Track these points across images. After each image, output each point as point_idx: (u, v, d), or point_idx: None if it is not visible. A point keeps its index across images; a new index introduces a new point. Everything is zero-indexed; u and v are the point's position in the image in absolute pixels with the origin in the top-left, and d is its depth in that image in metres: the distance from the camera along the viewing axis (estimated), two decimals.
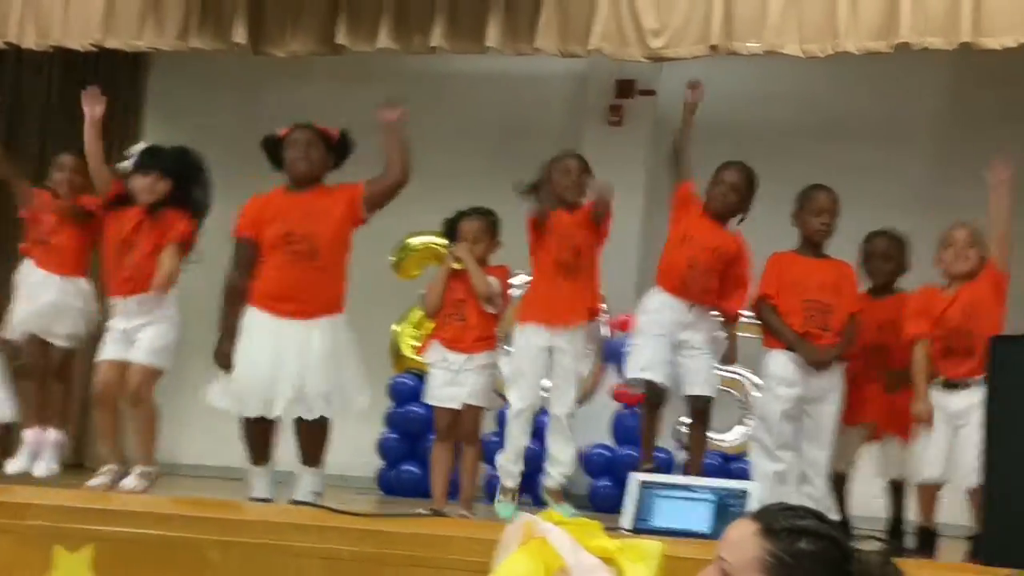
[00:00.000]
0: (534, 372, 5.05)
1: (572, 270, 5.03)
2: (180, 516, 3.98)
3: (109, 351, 5.06)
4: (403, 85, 7.44)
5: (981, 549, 3.80)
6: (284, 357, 4.82)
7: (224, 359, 4.88)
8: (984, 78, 6.52)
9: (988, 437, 3.71)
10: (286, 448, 5.10)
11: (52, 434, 5.43)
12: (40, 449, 5.39)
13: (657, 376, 5.00)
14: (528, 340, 5.07)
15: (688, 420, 5.28)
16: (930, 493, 4.79)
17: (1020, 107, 6.56)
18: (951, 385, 4.65)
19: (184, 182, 5.20)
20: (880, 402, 5.05)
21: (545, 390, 5.17)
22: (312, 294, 4.86)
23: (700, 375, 5.01)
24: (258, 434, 4.94)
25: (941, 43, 5.18)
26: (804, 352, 4.88)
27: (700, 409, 5.10)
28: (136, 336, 5.04)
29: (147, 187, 5.11)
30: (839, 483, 5.15)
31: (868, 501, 5.24)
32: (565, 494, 5.20)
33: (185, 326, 5.23)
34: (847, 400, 5.01)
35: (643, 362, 5.03)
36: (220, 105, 7.82)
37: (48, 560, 3.77)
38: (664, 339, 5.00)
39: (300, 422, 4.92)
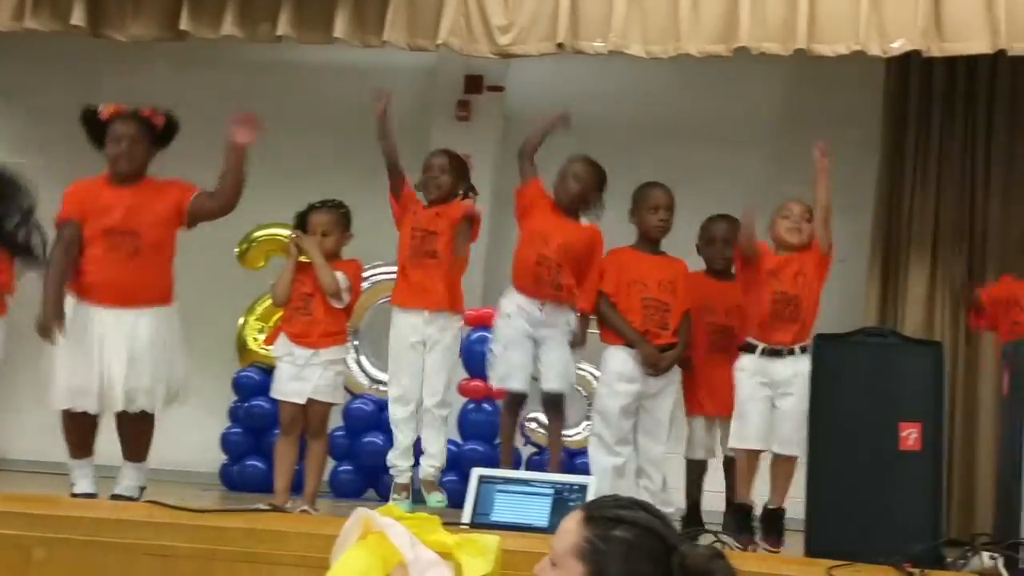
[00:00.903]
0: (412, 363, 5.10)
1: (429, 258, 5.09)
2: (4, 513, 3.86)
3: None
4: (248, 74, 7.39)
5: (805, 538, 3.95)
6: (107, 349, 4.74)
7: (45, 332, 4.75)
8: (817, 83, 6.78)
9: (811, 431, 3.88)
10: (108, 442, 4.99)
11: None
12: None
13: (517, 384, 5.09)
14: (400, 331, 5.12)
15: (541, 415, 5.36)
16: (752, 465, 4.88)
17: (848, 112, 6.84)
18: (775, 352, 4.76)
19: None
20: (724, 391, 5.13)
21: None
22: (135, 285, 4.79)
23: (554, 369, 5.09)
24: (80, 427, 4.84)
25: (778, 48, 5.37)
26: (645, 352, 4.97)
27: (554, 403, 5.20)
28: None
29: None
30: (697, 472, 5.27)
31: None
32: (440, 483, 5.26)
33: (17, 319, 5.07)
34: (700, 390, 5.16)
35: (503, 372, 5.12)
36: (58, 86, 7.58)
37: None
38: (522, 343, 5.08)
39: (123, 416, 4.83)
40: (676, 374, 5.08)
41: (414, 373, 5.11)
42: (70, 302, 4.85)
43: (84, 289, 4.81)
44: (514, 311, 5.11)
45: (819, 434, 3.84)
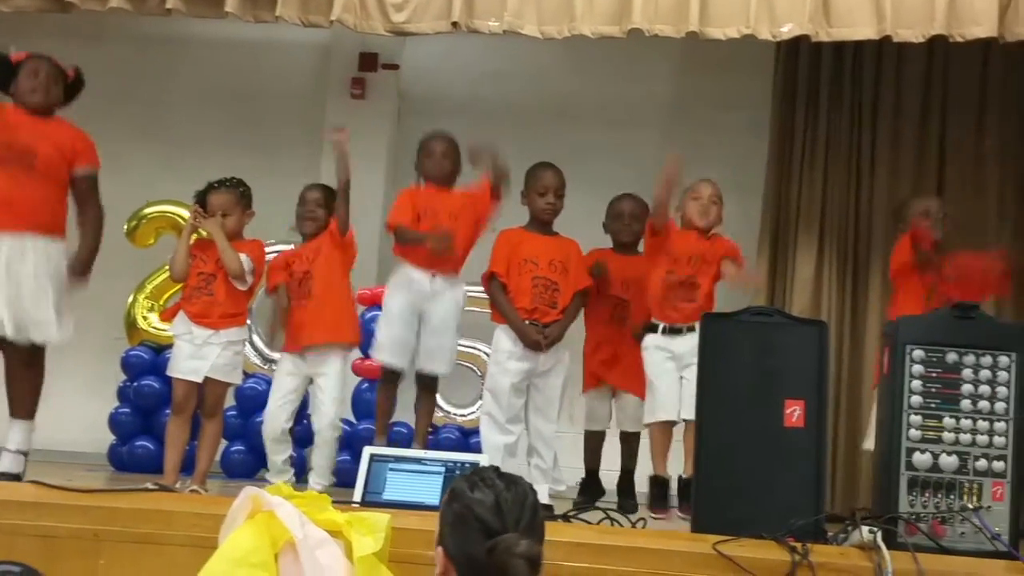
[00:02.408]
0: None
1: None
2: None
3: None
4: (138, 47, 7.24)
5: (692, 514, 4.02)
6: None
7: None
8: (708, 67, 6.89)
9: (699, 408, 3.95)
10: None
11: None
12: None
13: (397, 360, 5.09)
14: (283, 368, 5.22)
15: (417, 392, 5.37)
16: (665, 437, 5.00)
17: (739, 94, 6.96)
18: (674, 331, 4.95)
19: None
20: (622, 362, 5.24)
21: None
22: (27, 205, 4.63)
23: (436, 354, 5.10)
24: None
25: (670, 31, 5.43)
26: (524, 336, 5.00)
27: (429, 385, 5.22)
28: None
29: None
30: (595, 442, 5.35)
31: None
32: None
33: None
34: (595, 362, 5.24)
35: (386, 344, 5.10)
36: None
37: None
38: (406, 318, 5.06)
39: (11, 361, 4.67)
40: (565, 352, 5.14)
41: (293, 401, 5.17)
42: None
43: None
44: (404, 282, 5.10)
45: (706, 410, 3.90)
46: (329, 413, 5.11)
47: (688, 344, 4.77)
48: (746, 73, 6.82)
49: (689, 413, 4.62)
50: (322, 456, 5.13)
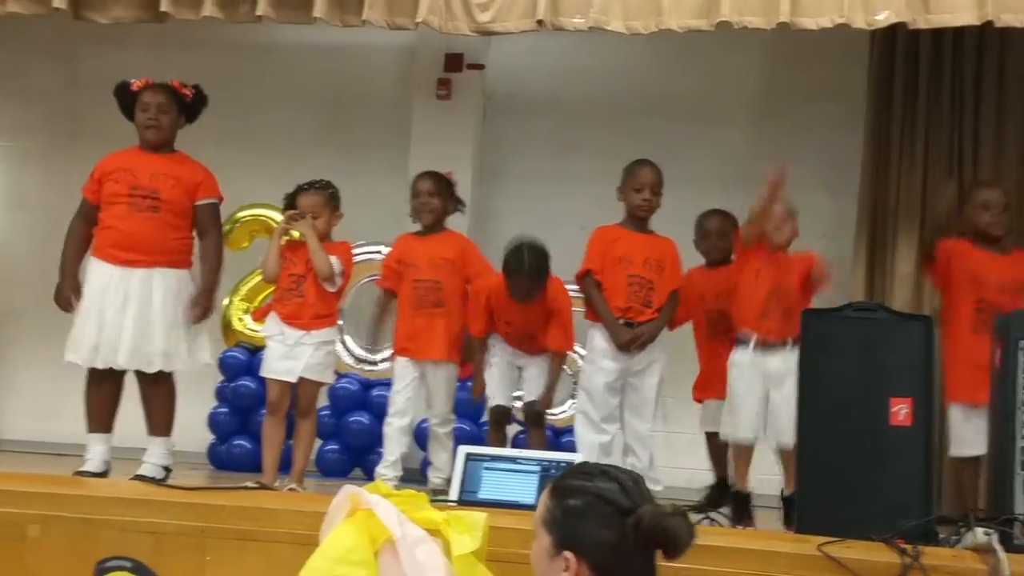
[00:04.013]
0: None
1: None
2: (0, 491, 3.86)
3: None
4: (228, 55, 7.34)
5: (795, 516, 3.93)
6: (120, 306, 4.78)
7: (61, 301, 4.89)
8: (799, 57, 6.76)
9: (800, 407, 3.86)
10: (128, 422, 5.00)
11: None
12: None
13: (503, 399, 5.23)
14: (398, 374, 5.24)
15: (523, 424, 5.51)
16: (746, 455, 4.87)
17: (828, 86, 6.83)
18: (768, 346, 4.73)
19: None
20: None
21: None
22: (154, 244, 4.84)
23: (536, 383, 5.19)
24: (102, 394, 4.88)
25: (760, 22, 5.32)
26: (616, 336, 4.95)
27: (536, 419, 5.29)
28: None
29: None
30: (719, 447, 5.20)
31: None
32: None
33: (10, 299, 5.05)
34: (702, 376, 5.19)
35: (492, 384, 5.23)
36: (38, 70, 7.57)
37: None
38: (509, 366, 5.22)
39: (144, 385, 4.87)
40: (661, 352, 5.07)
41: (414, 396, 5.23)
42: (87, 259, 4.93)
43: (100, 246, 4.88)
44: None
45: (809, 410, 3.79)
46: (443, 409, 5.17)
47: (781, 361, 4.61)
48: (839, 64, 6.68)
49: (779, 436, 4.53)
50: (439, 450, 5.17)
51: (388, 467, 5.12)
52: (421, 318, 5.14)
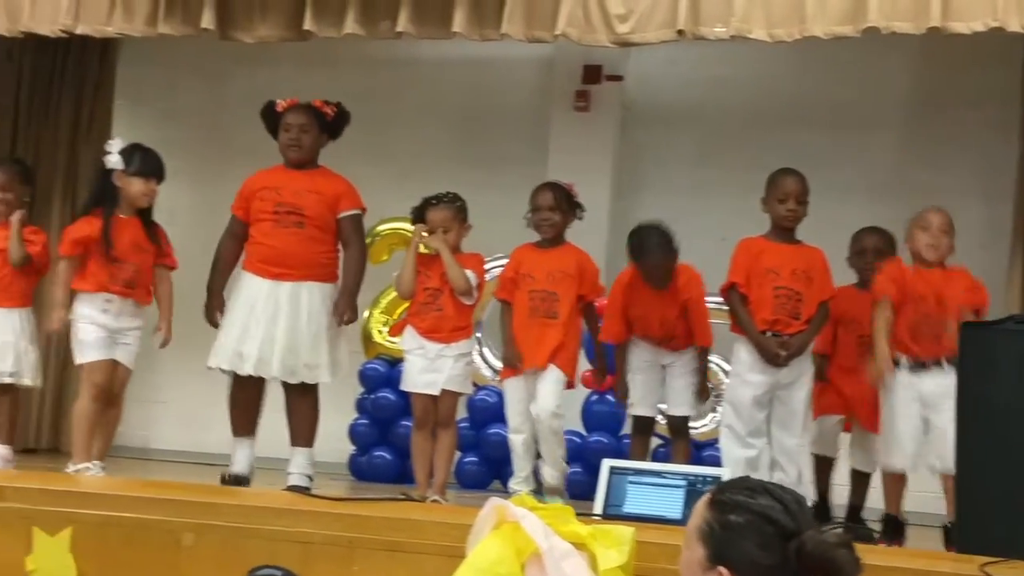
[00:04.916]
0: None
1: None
2: (156, 499, 4.01)
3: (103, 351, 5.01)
4: (368, 70, 7.45)
5: (956, 536, 3.79)
6: (274, 318, 4.95)
7: (209, 318, 5.14)
8: (951, 62, 6.55)
9: (960, 423, 3.71)
10: (270, 433, 5.11)
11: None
12: None
13: (647, 410, 5.23)
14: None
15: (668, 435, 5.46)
16: (898, 481, 4.76)
17: (984, 91, 6.60)
18: (920, 365, 4.59)
19: None
20: (857, 395, 5.04)
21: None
22: (300, 259, 5.01)
23: (681, 395, 5.18)
24: (246, 400, 5.05)
25: (910, 27, 5.17)
26: (763, 350, 4.88)
27: (680, 429, 5.27)
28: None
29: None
30: (824, 468, 5.19)
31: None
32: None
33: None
34: (832, 390, 5.09)
35: (636, 395, 5.23)
36: (186, 90, 7.79)
37: (27, 542, 3.79)
38: (652, 370, 5.21)
39: (290, 397, 5.01)
40: (810, 365, 4.96)
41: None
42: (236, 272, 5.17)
43: (250, 260, 5.09)
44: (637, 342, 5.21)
45: (969, 426, 3.65)
46: (549, 403, 5.05)
47: (935, 383, 4.47)
48: (991, 68, 6.45)
49: (938, 462, 4.36)
50: (548, 446, 5.10)
51: (520, 483, 5.11)
52: (534, 328, 5.10)
